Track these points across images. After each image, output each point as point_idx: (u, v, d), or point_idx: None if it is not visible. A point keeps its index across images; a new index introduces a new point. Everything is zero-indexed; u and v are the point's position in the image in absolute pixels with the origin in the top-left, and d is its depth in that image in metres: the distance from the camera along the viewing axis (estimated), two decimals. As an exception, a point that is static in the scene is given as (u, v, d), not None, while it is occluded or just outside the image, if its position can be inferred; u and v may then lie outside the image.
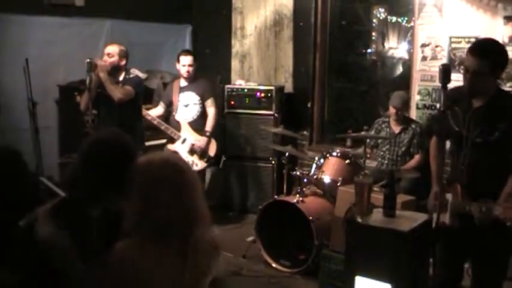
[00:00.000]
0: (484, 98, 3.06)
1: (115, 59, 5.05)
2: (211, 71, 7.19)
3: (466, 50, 3.13)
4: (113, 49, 5.07)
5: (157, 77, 6.73)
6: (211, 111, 5.89)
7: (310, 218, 4.71)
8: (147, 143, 5.75)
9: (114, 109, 4.96)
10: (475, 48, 3.03)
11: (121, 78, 5.10)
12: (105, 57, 5.03)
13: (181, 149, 5.80)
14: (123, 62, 5.12)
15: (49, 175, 5.33)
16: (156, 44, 7.05)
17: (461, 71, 3.01)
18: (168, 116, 5.97)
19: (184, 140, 5.81)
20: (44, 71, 5.85)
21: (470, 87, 3.01)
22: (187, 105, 5.88)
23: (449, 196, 3.26)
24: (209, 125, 5.86)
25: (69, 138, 5.88)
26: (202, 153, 5.83)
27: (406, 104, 5.47)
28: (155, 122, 5.68)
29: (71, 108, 5.62)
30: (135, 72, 5.27)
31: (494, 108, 3.05)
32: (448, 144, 3.43)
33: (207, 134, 5.84)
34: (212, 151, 5.90)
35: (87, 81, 4.65)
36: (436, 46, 5.53)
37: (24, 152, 2.34)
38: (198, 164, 5.81)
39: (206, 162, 5.88)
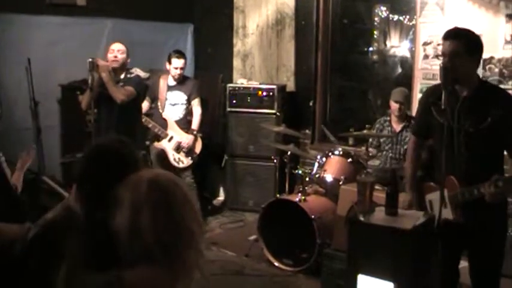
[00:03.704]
0: (468, 88, 3.08)
1: (125, 56, 5.05)
2: (213, 69, 7.19)
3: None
4: (121, 46, 5.06)
5: (159, 77, 6.72)
6: (197, 110, 5.96)
7: (313, 216, 4.71)
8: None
9: (115, 109, 4.94)
10: (448, 33, 3.09)
11: (122, 76, 5.08)
12: (115, 54, 4.99)
13: (167, 146, 5.86)
14: (129, 60, 5.13)
15: (51, 174, 5.35)
16: (158, 43, 7.04)
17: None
18: (150, 113, 5.96)
19: (171, 138, 5.85)
20: (45, 70, 5.85)
21: (451, 69, 2.97)
22: (174, 104, 5.91)
23: (430, 196, 3.31)
24: (195, 124, 5.94)
25: (71, 138, 5.90)
26: (188, 151, 5.90)
27: (407, 99, 5.42)
28: (143, 120, 5.66)
29: (73, 107, 5.62)
30: (136, 71, 5.26)
31: (481, 97, 3.08)
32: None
33: (194, 132, 5.92)
34: (198, 149, 5.98)
35: (90, 81, 4.66)
36: (438, 44, 5.49)
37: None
38: (184, 161, 5.90)
39: (191, 159, 5.94)
